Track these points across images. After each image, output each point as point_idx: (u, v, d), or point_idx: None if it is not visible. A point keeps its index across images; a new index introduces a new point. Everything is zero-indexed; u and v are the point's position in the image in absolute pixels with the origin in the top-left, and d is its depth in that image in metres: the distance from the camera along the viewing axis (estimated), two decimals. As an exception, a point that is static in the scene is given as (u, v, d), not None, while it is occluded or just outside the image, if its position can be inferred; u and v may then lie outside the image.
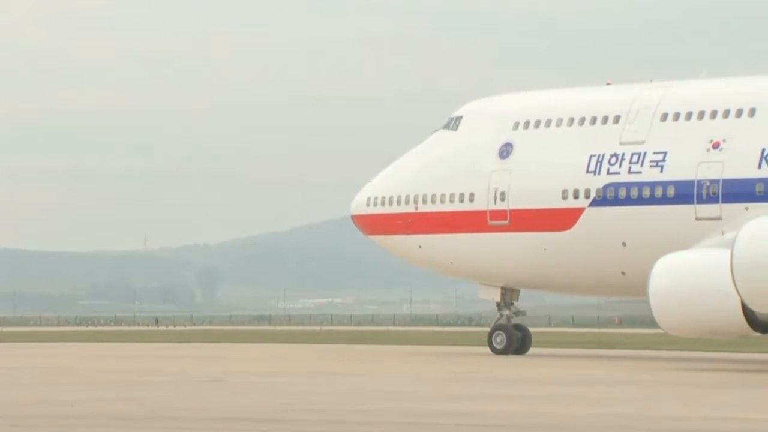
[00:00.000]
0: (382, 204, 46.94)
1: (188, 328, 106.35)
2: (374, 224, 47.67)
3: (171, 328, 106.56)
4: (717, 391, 28.35)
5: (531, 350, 47.36)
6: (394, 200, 46.72)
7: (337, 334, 69.31)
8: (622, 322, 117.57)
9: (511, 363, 40.75)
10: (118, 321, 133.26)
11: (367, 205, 47.44)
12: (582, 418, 21.54)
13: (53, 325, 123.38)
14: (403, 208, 46.38)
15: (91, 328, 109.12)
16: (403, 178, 46.97)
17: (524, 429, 19.90)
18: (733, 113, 41.58)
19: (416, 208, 46.06)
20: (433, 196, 45.85)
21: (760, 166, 40.35)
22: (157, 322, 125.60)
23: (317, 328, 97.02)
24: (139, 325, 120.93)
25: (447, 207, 45.52)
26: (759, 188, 39.81)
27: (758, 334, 37.77)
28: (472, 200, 45.01)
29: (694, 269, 35.49)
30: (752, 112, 41.30)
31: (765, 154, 40.30)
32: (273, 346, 50.88)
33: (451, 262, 46.76)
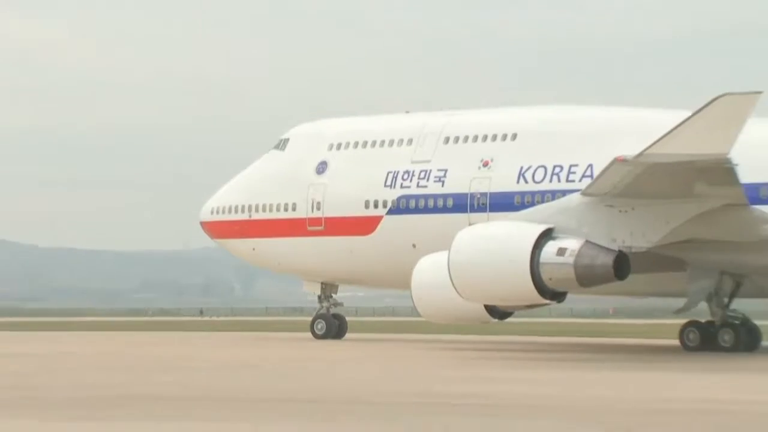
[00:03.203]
0: (223, 213, 50.54)
1: (229, 318, 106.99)
2: (217, 230, 51.10)
3: (214, 318, 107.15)
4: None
5: (532, 338, 48.12)
6: (233, 209, 50.18)
7: (361, 325, 69.68)
8: (616, 312, 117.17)
9: (517, 349, 41.47)
10: (165, 312, 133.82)
11: (212, 213, 51.06)
12: (584, 400, 21.88)
13: (108, 316, 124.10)
14: (240, 216, 49.88)
15: (142, 318, 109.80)
16: (240, 191, 50.55)
17: (533, 409, 20.24)
18: (499, 137, 44.84)
19: (250, 216, 49.50)
20: (264, 206, 49.25)
21: (518, 181, 43.61)
22: (201, 313, 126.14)
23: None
24: (184, 316, 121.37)
25: (274, 215, 48.91)
26: (517, 199, 42.80)
27: (496, 320, 40.72)
28: (294, 209, 48.28)
29: (443, 268, 36.76)
30: (514, 137, 44.52)
31: (522, 172, 43.55)
32: (304, 335, 51.45)
33: (279, 263, 50.06)
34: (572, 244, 35.02)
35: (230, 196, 50.57)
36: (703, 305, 39.36)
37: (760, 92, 32.10)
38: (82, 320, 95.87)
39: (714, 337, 38.60)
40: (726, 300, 38.95)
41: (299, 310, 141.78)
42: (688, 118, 32.33)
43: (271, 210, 49.02)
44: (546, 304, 37.61)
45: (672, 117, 35.35)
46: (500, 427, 17.19)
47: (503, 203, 42.82)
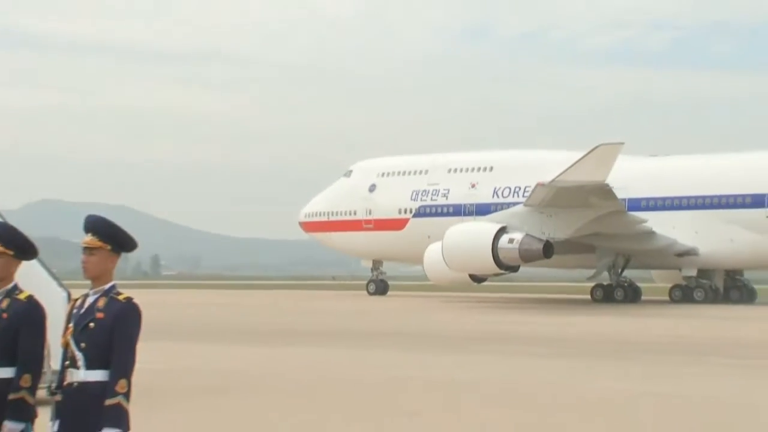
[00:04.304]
0: (312, 216, 58.86)
1: (349, 282, 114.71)
2: (308, 227, 59.61)
3: (341, 282, 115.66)
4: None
5: (533, 294, 56.25)
6: (318, 214, 58.34)
7: (429, 287, 76.39)
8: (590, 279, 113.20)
9: (535, 304, 46.35)
10: (313, 278, 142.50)
11: (305, 216, 59.53)
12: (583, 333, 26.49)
13: (272, 279, 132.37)
14: (322, 218, 58.06)
15: (297, 282, 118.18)
16: (322, 202, 58.61)
17: (541, 339, 24.07)
18: (482, 169, 52.78)
19: (328, 218, 57.61)
20: (337, 212, 57.43)
21: (493, 197, 51.15)
22: (333, 278, 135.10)
23: (416, 282, 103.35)
24: (322, 280, 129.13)
25: (342, 218, 56.95)
26: (493, 209, 49.13)
27: (476, 284, 48.72)
28: (355, 214, 56.41)
29: (441, 251, 44.74)
30: (491, 169, 52.44)
31: (496, 190, 51.52)
32: (394, 293, 58.29)
33: (345, 247, 58.29)
34: (517, 236, 43.33)
35: (316, 206, 59.02)
36: (605, 274, 48.86)
37: (623, 143, 41.14)
38: (263, 282, 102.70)
39: (611, 294, 47.83)
40: (619, 270, 48.47)
41: (391, 278, 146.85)
42: (580, 159, 41.51)
43: (341, 214, 57.09)
44: (504, 274, 45.89)
45: (576, 155, 43.26)
46: (514, 349, 21.45)
47: (484, 211, 50.08)
